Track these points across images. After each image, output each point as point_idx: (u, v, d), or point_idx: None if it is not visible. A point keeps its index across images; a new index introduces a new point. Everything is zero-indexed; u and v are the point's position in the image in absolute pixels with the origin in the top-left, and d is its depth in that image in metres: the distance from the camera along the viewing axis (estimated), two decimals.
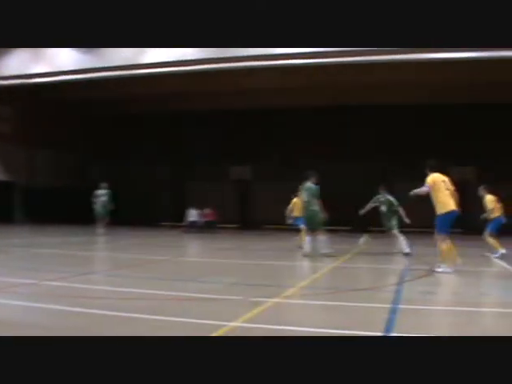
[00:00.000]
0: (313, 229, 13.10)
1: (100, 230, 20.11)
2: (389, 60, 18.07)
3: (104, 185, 21.01)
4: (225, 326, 5.25)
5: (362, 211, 14.18)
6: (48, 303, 6.43)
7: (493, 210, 13.69)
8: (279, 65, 19.81)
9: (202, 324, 5.48)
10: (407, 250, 13.54)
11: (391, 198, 14.25)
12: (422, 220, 14.49)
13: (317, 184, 13.10)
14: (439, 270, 9.94)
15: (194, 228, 26.52)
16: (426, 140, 28.15)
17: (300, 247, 13.92)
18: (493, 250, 13.58)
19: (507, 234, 14.79)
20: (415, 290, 8.11)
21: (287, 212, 15.78)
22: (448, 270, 9.80)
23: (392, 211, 14.06)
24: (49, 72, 22.74)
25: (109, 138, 34.47)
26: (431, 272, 9.97)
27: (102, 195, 20.68)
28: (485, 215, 13.88)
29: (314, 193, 12.93)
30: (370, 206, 14.28)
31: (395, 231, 13.89)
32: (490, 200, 13.80)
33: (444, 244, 9.93)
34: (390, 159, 29.12)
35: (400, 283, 8.79)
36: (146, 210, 31.73)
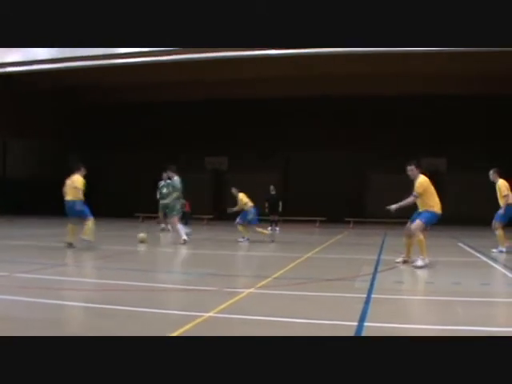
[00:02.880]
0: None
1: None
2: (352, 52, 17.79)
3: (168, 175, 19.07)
4: (199, 316, 5.28)
5: None
6: (21, 296, 6.38)
7: (507, 196, 12.18)
8: (257, 55, 19.68)
9: (176, 315, 5.51)
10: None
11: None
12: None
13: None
14: (419, 263, 9.64)
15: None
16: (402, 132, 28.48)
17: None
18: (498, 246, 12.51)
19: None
20: (389, 280, 8.22)
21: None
22: (426, 261, 9.68)
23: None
24: (22, 61, 22.40)
25: (88, 128, 34.10)
26: (408, 265, 9.98)
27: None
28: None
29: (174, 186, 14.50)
30: None
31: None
32: (503, 185, 12.33)
33: (422, 235, 9.92)
34: (365, 150, 29.35)
35: (374, 273, 8.89)
36: (125, 200, 31.46)
